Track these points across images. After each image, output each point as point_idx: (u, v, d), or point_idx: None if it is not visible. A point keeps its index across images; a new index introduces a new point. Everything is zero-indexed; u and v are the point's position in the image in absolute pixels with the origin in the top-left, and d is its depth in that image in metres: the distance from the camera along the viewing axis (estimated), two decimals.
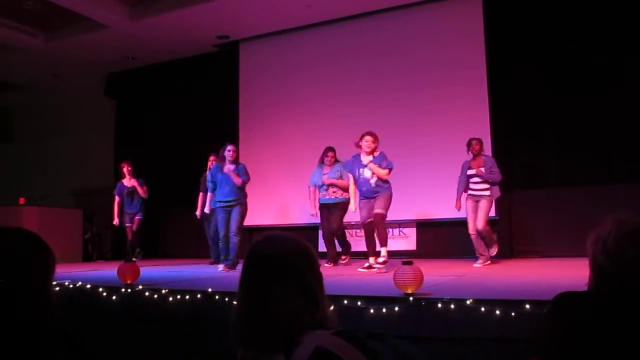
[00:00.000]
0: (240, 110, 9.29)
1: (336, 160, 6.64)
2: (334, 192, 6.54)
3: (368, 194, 5.71)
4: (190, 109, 9.75)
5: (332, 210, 6.54)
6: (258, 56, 9.23)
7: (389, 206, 5.68)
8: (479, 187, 6.06)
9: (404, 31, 8.11)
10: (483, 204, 5.98)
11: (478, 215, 5.96)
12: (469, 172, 6.09)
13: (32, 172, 11.73)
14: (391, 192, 5.70)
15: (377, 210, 5.58)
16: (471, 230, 6.02)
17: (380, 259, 5.55)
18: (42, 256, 1.38)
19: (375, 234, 5.65)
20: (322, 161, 6.73)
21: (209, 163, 7.25)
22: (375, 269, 5.53)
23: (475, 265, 5.92)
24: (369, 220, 5.67)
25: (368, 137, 5.69)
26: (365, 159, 5.73)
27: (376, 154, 5.72)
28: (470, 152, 6.12)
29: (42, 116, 11.98)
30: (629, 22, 6.75)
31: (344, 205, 6.45)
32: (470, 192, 6.09)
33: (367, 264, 5.69)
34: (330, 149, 6.72)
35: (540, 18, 7.28)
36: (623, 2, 6.76)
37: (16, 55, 9.49)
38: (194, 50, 9.50)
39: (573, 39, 7.06)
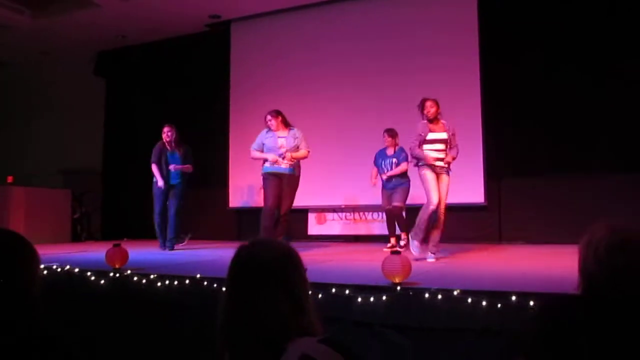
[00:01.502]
0: (231, 91, 9.21)
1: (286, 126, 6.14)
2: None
3: (387, 186, 6.47)
4: (180, 89, 9.64)
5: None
6: (250, 37, 9.13)
7: (406, 198, 6.33)
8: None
9: (397, 15, 8.04)
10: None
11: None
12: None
13: (20, 151, 11.59)
14: (409, 185, 6.32)
15: (395, 204, 6.33)
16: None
17: (402, 242, 6.33)
18: (27, 257, 1.36)
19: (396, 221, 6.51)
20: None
21: (164, 135, 6.87)
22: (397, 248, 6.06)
23: (429, 259, 5.03)
24: (388, 207, 6.48)
25: (385, 134, 6.54)
26: (389, 151, 6.52)
27: (397, 148, 6.46)
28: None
29: (30, 94, 11.78)
30: (623, 14, 6.74)
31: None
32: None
33: (389, 244, 6.46)
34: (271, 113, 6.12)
35: (533, 6, 7.25)
36: None
37: (1, 32, 9.31)
38: (186, 29, 9.36)
39: (566, 29, 7.04)
